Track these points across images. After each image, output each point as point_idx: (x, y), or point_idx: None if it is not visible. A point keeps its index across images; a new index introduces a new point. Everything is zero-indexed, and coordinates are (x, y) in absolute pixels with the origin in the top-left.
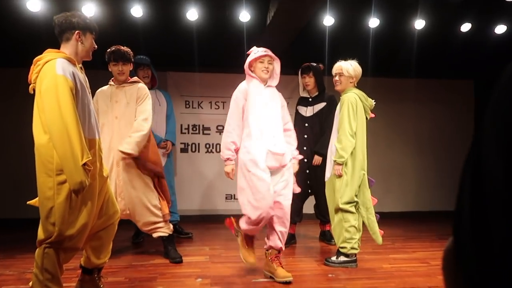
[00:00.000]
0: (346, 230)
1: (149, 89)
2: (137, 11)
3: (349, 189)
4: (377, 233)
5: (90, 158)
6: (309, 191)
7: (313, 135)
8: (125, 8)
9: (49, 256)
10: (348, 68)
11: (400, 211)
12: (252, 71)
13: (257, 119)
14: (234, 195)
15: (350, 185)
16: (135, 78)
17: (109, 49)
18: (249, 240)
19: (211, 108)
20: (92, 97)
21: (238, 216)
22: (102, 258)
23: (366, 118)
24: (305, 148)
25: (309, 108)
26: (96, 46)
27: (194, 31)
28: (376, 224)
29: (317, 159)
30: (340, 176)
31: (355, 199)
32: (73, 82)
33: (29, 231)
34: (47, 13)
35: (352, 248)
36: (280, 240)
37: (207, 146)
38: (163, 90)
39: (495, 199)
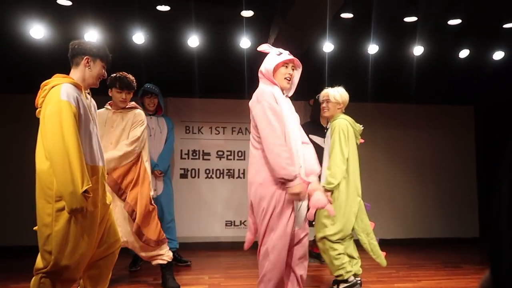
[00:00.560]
0: (335, 258)
1: (152, 115)
2: (138, 38)
3: (340, 218)
4: (381, 255)
5: (91, 185)
6: None
7: None
8: (127, 35)
9: (45, 286)
10: (335, 94)
11: (402, 238)
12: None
13: (291, 135)
14: (235, 221)
15: (343, 215)
16: (133, 104)
17: (114, 75)
18: None
19: (211, 133)
20: None
21: (238, 244)
22: None
23: (356, 143)
24: None
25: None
26: (105, 75)
27: (195, 57)
28: (379, 248)
29: None
30: (330, 202)
31: (344, 231)
32: (77, 108)
33: (25, 259)
34: (50, 39)
35: (348, 272)
36: (300, 286)
37: (207, 171)
38: (167, 117)
39: None
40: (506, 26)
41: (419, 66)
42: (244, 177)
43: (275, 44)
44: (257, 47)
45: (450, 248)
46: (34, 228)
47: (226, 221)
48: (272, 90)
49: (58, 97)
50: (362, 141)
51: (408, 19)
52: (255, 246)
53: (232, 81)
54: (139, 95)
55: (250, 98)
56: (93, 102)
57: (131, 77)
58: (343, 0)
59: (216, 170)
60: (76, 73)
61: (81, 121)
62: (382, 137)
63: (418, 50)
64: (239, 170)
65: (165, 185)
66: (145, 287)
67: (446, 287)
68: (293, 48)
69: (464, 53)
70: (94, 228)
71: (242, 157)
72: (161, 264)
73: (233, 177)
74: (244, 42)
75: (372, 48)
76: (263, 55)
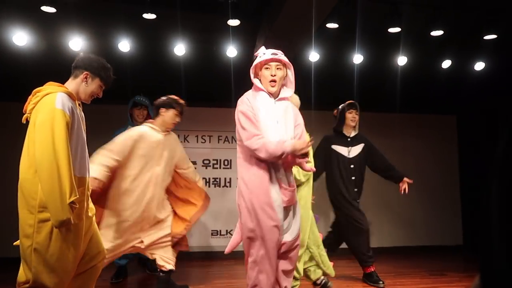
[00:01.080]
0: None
1: None
2: (124, 46)
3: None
4: (330, 266)
5: (78, 196)
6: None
7: (361, 176)
8: (112, 43)
9: None
10: None
11: (387, 246)
12: (259, 80)
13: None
14: (221, 231)
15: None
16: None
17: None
18: None
19: (197, 142)
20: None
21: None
22: None
23: None
24: (356, 189)
25: (352, 148)
26: (100, 95)
27: (182, 66)
28: (328, 258)
29: (406, 181)
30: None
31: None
32: (70, 117)
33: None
34: (33, 47)
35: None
36: None
37: None
38: None
39: None
40: (486, 37)
41: (403, 76)
42: (230, 186)
43: None
44: (244, 56)
45: (435, 256)
46: (14, 243)
47: (212, 230)
48: (251, 99)
49: (52, 105)
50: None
51: (392, 30)
52: (241, 255)
53: (218, 90)
54: (128, 107)
55: None
56: (82, 114)
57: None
58: (329, 11)
59: (202, 179)
60: (71, 85)
61: (74, 131)
62: None
63: (402, 60)
64: (225, 179)
65: None
66: None
67: None
68: None
69: (446, 64)
70: (78, 241)
71: (229, 166)
72: (162, 270)
73: (219, 186)
74: (231, 51)
75: (357, 58)
76: (250, 64)
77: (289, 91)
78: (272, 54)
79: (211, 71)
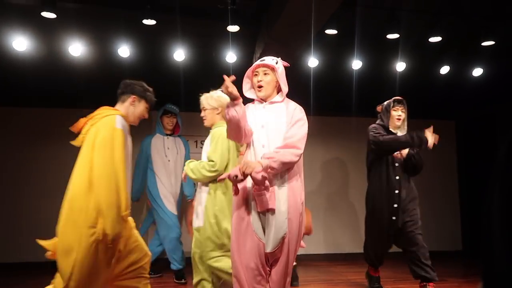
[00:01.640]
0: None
1: (169, 135)
2: (124, 51)
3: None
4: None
5: (129, 212)
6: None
7: (404, 175)
8: (112, 48)
9: None
10: (208, 100)
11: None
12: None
13: (251, 146)
14: None
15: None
16: None
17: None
18: None
19: (196, 147)
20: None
21: None
22: None
23: (236, 156)
24: (396, 191)
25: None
26: (147, 116)
27: (181, 71)
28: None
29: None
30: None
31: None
32: (125, 140)
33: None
34: (33, 52)
35: None
36: None
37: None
38: (183, 137)
39: None
40: (484, 44)
41: (401, 81)
42: None
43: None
44: (243, 61)
45: (434, 262)
46: (47, 254)
47: None
48: (247, 106)
49: (113, 124)
50: (242, 154)
51: (390, 36)
52: None
53: None
54: (158, 115)
55: None
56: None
57: None
58: (327, 17)
59: None
60: (121, 109)
61: (127, 151)
62: (366, 151)
63: (400, 66)
64: None
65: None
66: None
67: None
68: None
69: (444, 70)
70: (111, 261)
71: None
72: None
73: None
74: (230, 56)
75: (356, 64)
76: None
77: (281, 95)
78: (260, 61)
79: (210, 76)
